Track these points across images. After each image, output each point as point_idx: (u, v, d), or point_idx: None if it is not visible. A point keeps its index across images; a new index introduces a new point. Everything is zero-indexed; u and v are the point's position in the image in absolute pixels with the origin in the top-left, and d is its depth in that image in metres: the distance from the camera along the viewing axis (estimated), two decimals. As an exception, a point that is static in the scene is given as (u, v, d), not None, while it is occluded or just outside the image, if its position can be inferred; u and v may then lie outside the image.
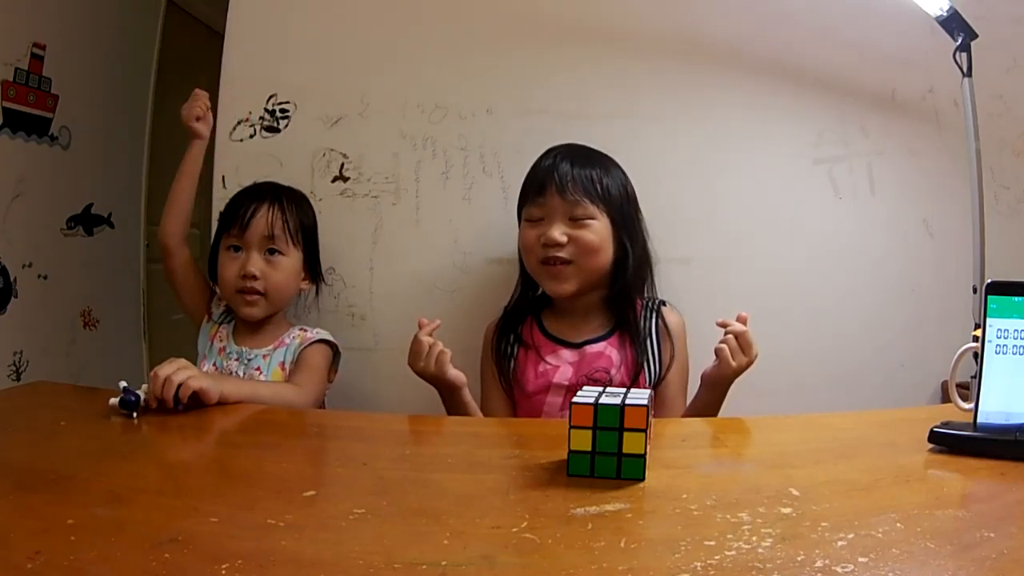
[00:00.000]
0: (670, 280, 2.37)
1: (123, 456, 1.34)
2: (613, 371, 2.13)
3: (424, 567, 0.83)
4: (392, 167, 2.56)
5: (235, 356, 2.23)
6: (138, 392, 1.62)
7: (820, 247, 2.58)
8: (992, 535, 0.90)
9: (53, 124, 3.44)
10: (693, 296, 2.41)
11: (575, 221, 2.08)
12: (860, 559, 0.83)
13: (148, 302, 4.20)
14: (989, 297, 1.28)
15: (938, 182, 2.57)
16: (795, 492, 1.06)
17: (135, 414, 1.59)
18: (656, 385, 2.14)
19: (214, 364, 2.23)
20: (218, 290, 2.31)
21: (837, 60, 2.56)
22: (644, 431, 1.13)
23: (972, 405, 1.30)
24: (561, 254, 2.07)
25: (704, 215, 2.55)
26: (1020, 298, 1.26)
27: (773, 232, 2.55)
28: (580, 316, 2.19)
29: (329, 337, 2.31)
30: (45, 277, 3.43)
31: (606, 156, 2.22)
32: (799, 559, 0.84)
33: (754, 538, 0.90)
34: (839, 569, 0.81)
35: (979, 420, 1.28)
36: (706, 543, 0.89)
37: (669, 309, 2.23)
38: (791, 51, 2.56)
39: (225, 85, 2.62)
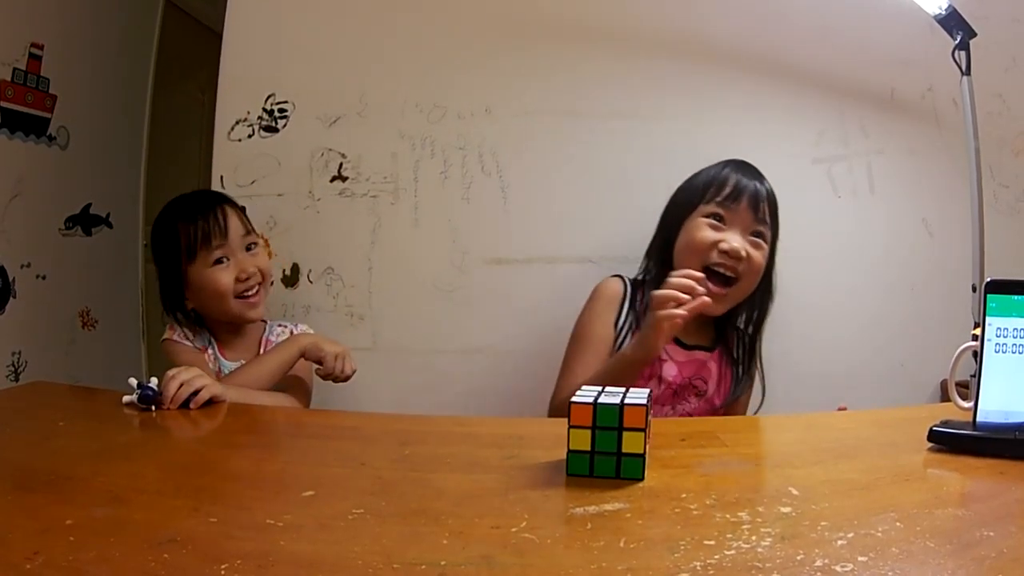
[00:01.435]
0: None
1: (122, 456, 1.34)
2: (711, 384, 2.14)
3: (423, 567, 0.83)
4: (391, 167, 2.56)
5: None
6: (154, 387, 1.63)
7: (820, 246, 2.58)
8: (991, 534, 0.90)
9: (51, 124, 3.44)
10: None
11: (755, 237, 2.06)
12: (860, 558, 0.83)
13: (147, 302, 4.19)
14: (988, 296, 1.28)
15: (937, 181, 2.57)
16: (794, 491, 1.06)
17: (154, 408, 1.61)
18: (731, 403, 2.17)
19: None
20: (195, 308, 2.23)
21: (836, 59, 2.56)
22: (643, 431, 1.13)
23: (972, 404, 1.30)
24: (736, 266, 2.03)
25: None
26: (1019, 297, 1.26)
27: (772, 231, 2.55)
28: (701, 320, 2.11)
29: (311, 331, 2.34)
30: (44, 277, 3.42)
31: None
32: (799, 558, 0.84)
33: (753, 537, 0.90)
34: (839, 568, 0.81)
35: (978, 419, 1.28)
36: (705, 542, 0.89)
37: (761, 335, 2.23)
38: (790, 51, 2.56)
39: (223, 85, 2.62)
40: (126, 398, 1.63)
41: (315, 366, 2.11)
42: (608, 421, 1.13)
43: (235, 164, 2.59)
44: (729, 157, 2.46)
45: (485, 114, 2.56)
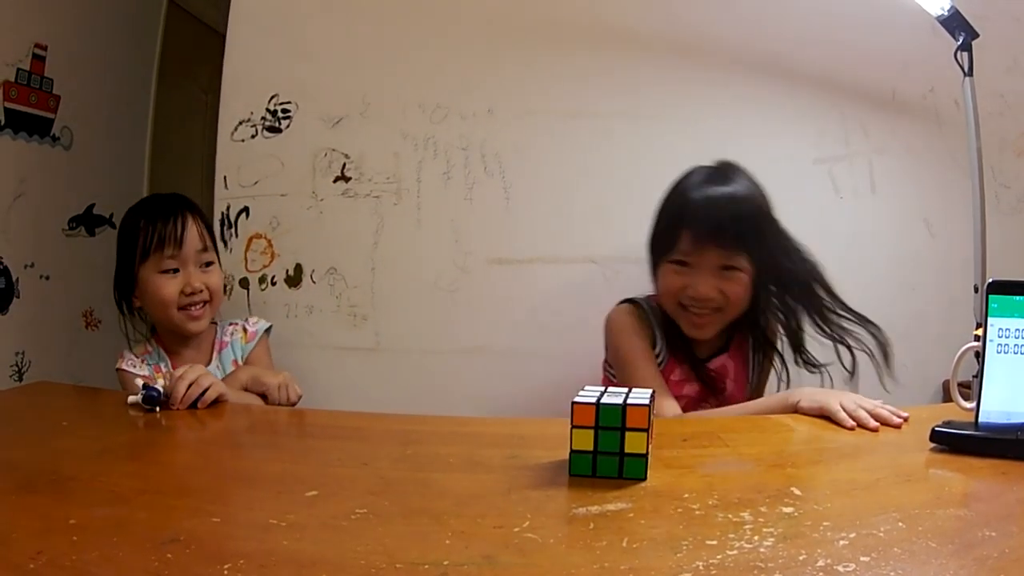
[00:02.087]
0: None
1: (125, 456, 1.34)
2: (729, 383, 2.16)
3: (426, 567, 0.83)
4: (393, 167, 2.56)
5: None
6: (159, 388, 1.64)
7: (821, 246, 2.56)
8: (993, 534, 0.90)
9: (55, 125, 3.44)
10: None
11: (725, 271, 1.99)
12: (862, 558, 0.83)
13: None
14: (990, 296, 1.28)
15: (939, 181, 2.57)
16: (797, 491, 1.06)
17: (158, 409, 1.61)
18: (753, 392, 2.18)
19: None
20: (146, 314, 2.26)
21: (838, 59, 2.56)
22: (646, 431, 1.13)
23: (973, 404, 1.30)
24: (709, 305, 2.00)
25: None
26: (1021, 297, 1.26)
27: (774, 231, 2.55)
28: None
29: (264, 324, 2.38)
30: (47, 277, 3.43)
31: (746, 175, 2.11)
32: (801, 558, 0.84)
33: (756, 537, 0.90)
34: (841, 568, 0.81)
35: (980, 419, 1.28)
36: (708, 542, 0.89)
37: (773, 320, 2.17)
38: (792, 50, 2.56)
39: (227, 85, 2.62)
40: (131, 399, 1.64)
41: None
42: (611, 421, 1.14)
43: (238, 164, 2.59)
44: (729, 156, 2.46)
45: (488, 114, 2.56)
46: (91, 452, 1.35)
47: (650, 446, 1.16)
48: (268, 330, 2.39)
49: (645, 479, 1.13)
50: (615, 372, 2.15)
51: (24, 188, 3.26)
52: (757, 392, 2.20)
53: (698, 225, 1.97)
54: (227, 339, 2.29)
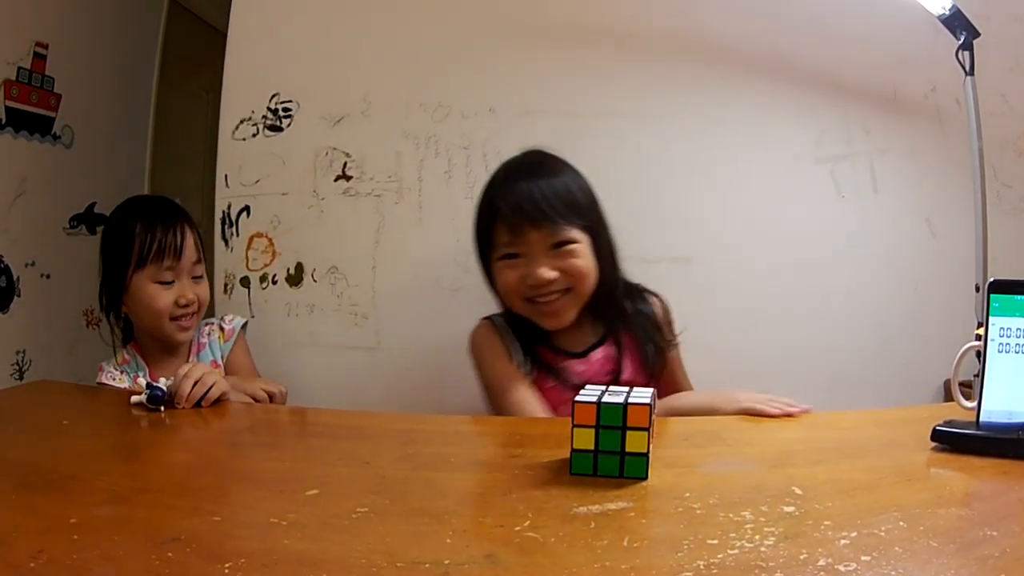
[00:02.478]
0: (670, 280, 2.36)
1: (126, 455, 1.34)
2: (625, 371, 2.01)
3: (427, 566, 0.83)
4: (395, 166, 2.56)
5: None
6: (163, 387, 1.64)
7: (822, 246, 2.58)
8: (995, 533, 0.90)
9: (56, 123, 3.44)
10: (693, 296, 2.41)
11: (558, 248, 1.90)
12: (863, 558, 0.83)
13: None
14: (992, 296, 1.28)
15: (940, 181, 2.57)
16: (798, 491, 1.06)
17: (163, 408, 1.62)
18: (658, 373, 2.03)
19: None
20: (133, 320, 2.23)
21: (839, 59, 2.56)
22: (647, 430, 1.13)
23: (975, 404, 1.30)
24: (553, 288, 1.90)
25: (705, 214, 2.55)
26: (1022, 297, 1.26)
27: (774, 231, 2.55)
28: (575, 326, 2.00)
29: (241, 321, 2.39)
30: (48, 276, 3.43)
31: (556, 158, 2.04)
32: (802, 558, 0.84)
33: (757, 537, 0.90)
34: (842, 568, 0.81)
35: (982, 419, 1.28)
36: (709, 542, 0.89)
37: (650, 296, 2.12)
38: (793, 50, 2.56)
39: (228, 84, 2.63)
40: (134, 398, 1.64)
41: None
42: (612, 420, 1.14)
43: (239, 163, 2.59)
44: (730, 156, 2.47)
45: (489, 113, 2.56)
46: (92, 451, 1.35)
47: (651, 445, 1.16)
48: (244, 326, 2.40)
49: (646, 478, 1.13)
50: (488, 399, 2.05)
51: (25, 187, 3.26)
52: (667, 373, 2.08)
53: (509, 212, 1.90)
54: (204, 340, 2.29)
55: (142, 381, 1.67)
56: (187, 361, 2.19)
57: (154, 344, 2.22)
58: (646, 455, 1.14)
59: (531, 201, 1.88)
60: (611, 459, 1.14)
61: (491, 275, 2.03)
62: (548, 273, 1.89)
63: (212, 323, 2.34)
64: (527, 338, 2.03)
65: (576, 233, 1.91)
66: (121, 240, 2.13)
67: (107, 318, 2.22)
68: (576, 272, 1.91)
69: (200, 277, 2.21)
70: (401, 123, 2.57)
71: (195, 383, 1.68)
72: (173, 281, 2.13)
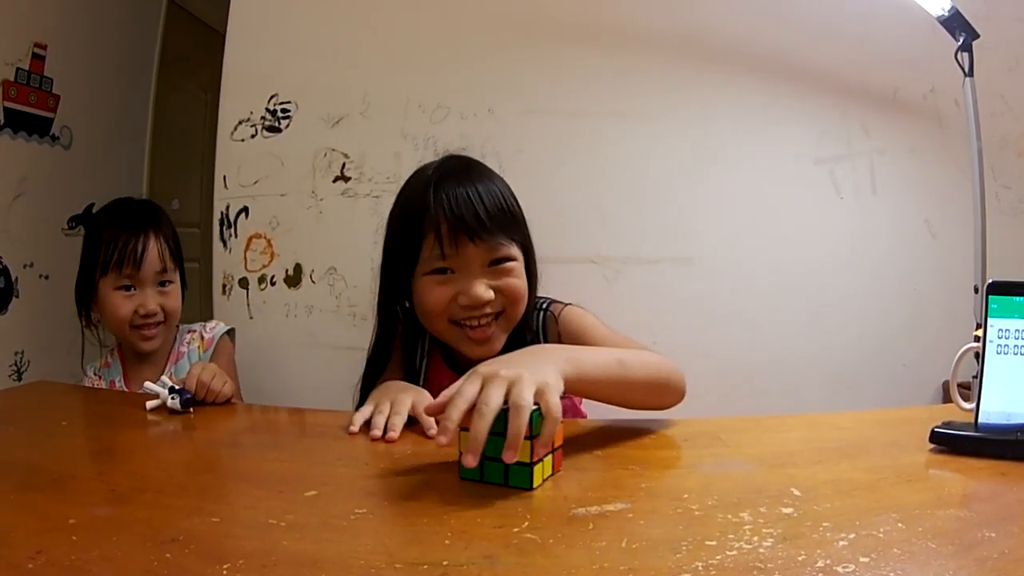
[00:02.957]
0: (670, 280, 2.37)
1: (124, 455, 1.34)
2: None
3: (425, 567, 0.83)
4: (394, 167, 2.56)
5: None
6: (187, 390, 1.64)
7: (821, 247, 2.58)
8: (993, 535, 0.90)
9: (54, 124, 3.44)
10: (693, 296, 2.41)
11: (495, 266, 1.69)
12: (861, 559, 0.83)
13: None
14: (990, 297, 1.28)
15: (940, 182, 2.57)
16: (796, 492, 1.06)
17: (192, 409, 1.63)
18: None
19: None
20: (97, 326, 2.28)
21: (839, 60, 2.56)
22: (530, 439, 1.09)
23: (973, 405, 1.30)
24: (488, 309, 1.70)
25: (705, 215, 2.56)
26: (1021, 298, 1.26)
27: (774, 232, 2.55)
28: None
29: (223, 327, 2.33)
30: (47, 277, 3.43)
31: (485, 165, 1.86)
32: (800, 559, 0.84)
33: (755, 538, 0.90)
34: (840, 569, 0.81)
35: (980, 420, 1.28)
36: (707, 543, 0.89)
37: (559, 309, 1.86)
38: (793, 51, 2.56)
39: (226, 85, 2.63)
40: (151, 403, 1.62)
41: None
42: (496, 427, 1.09)
43: (238, 164, 2.60)
44: (730, 156, 2.47)
45: (488, 114, 2.56)
46: (90, 451, 1.35)
47: (548, 456, 1.13)
48: (231, 333, 2.35)
49: (531, 489, 1.10)
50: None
51: (24, 187, 3.26)
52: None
53: (446, 222, 1.64)
54: (184, 348, 2.26)
55: (150, 386, 1.65)
56: (163, 370, 2.18)
57: (131, 354, 2.23)
58: (530, 465, 1.10)
59: (471, 210, 1.65)
60: (496, 466, 1.10)
61: (401, 291, 1.81)
62: (486, 293, 1.66)
63: (194, 330, 2.31)
64: (414, 352, 1.91)
65: (515, 250, 1.72)
66: (91, 244, 2.18)
67: (80, 320, 2.26)
68: (513, 293, 1.71)
69: (167, 285, 2.19)
70: (400, 124, 2.57)
71: (213, 376, 1.71)
72: (134, 289, 2.14)
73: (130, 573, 0.82)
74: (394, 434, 1.39)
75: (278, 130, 2.61)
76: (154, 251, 2.15)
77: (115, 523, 0.95)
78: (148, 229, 2.16)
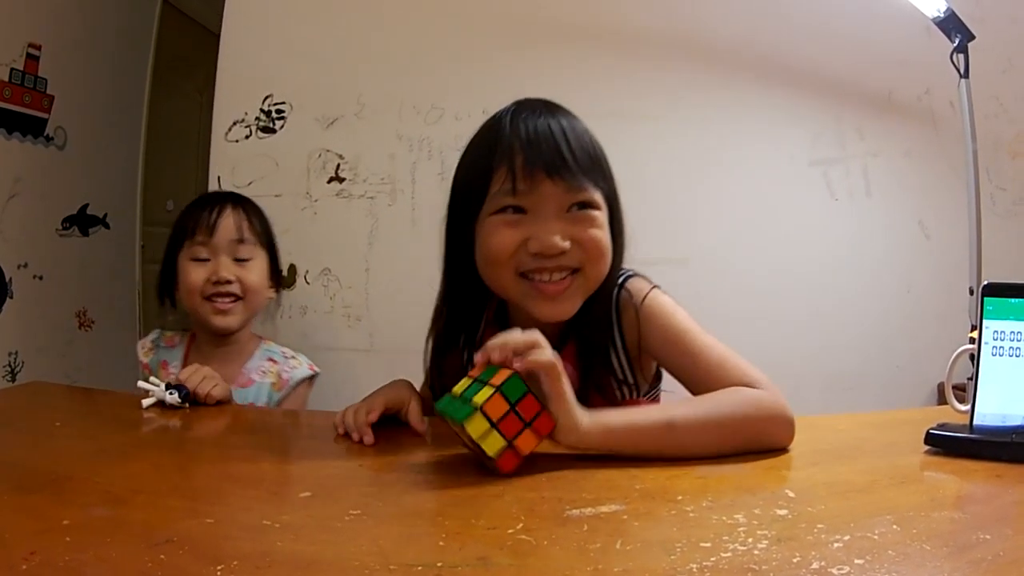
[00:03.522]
0: (667, 281, 2.36)
1: (119, 457, 1.34)
2: None
3: (420, 568, 0.83)
4: (388, 168, 2.56)
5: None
6: (184, 385, 1.64)
7: (816, 248, 2.58)
8: (988, 537, 0.90)
9: (48, 124, 3.44)
10: (691, 296, 2.41)
11: (573, 211, 1.44)
12: (856, 561, 0.83)
13: (144, 302, 4.20)
14: (985, 299, 1.28)
15: (934, 184, 2.58)
16: (791, 493, 1.06)
17: (188, 405, 1.64)
18: (649, 395, 1.62)
19: None
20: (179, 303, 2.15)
21: (833, 61, 2.57)
22: (490, 424, 1.13)
23: (968, 407, 1.30)
24: (563, 262, 1.43)
25: (701, 216, 2.56)
26: (1016, 300, 1.27)
27: (769, 233, 2.55)
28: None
29: (306, 371, 2.16)
30: (41, 277, 3.43)
31: (574, 115, 1.57)
32: (795, 561, 0.84)
33: (750, 540, 0.90)
34: (835, 571, 0.81)
35: (975, 422, 1.28)
36: (702, 544, 0.89)
37: (641, 292, 1.57)
38: (787, 53, 2.56)
39: (221, 86, 2.63)
40: (147, 401, 1.62)
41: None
42: (486, 375, 1.16)
43: (232, 165, 2.59)
44: (725, 158, 2.47)
45: (482, 115, 2.52)
46: (85, 452, 1.35)
47: (510, 440, 1.14)
48: (311, 380, 2.18)
49: (490, 456, 1.13)
50: None
51: (17, 188, 3.26)
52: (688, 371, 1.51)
53: (522, 153, 1.42)
54: (256, 377, 2.10)
55: (143, 385, 1.64)
56: (234, 376, 2.06)
57: (205, 341, 2.15)
58: (488, 429, 1.13)
59: (551, 143, 1.43)
60: (465, 408, 1.15)
61: (465, 239, 1.53)
62: (562, 240, 1.41)
63: (276, 360, 2.15)
64: (477, 321, 1.67)
65: (599, 198, 1.47)
66: (176, 225, 2.11)
67: (160, 303, 2.17)
68: (594, 247, 1.45)
69: (247, 261, 2.09)
70: (394, 125, 2.57)
71: (203, 379, 1.69)
72: (208, 259, 2.05)
73: (125, 574, 0.82)
74: (366, 437, 1.37)
75: (273, 131, 2.61)
76: (229, 219, 2.07)
77: (110, 524, 0.95)
78: (228, 202, 2.11)
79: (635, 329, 1.53)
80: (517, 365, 1.15)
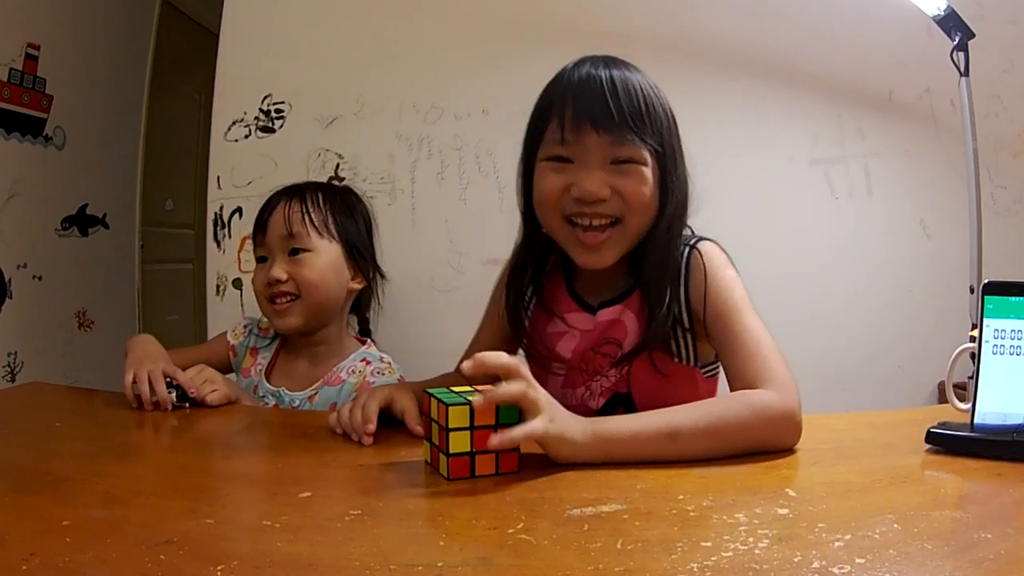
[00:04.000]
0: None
1: (118, 457, 1.34)
2: (627, 344, 1.59)
3: (420, 568, 0.83)
4: (388, 167, 2.56)
5: (272, 400, 2.00)
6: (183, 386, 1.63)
7: (817, 248, 2.58)
8: (989, 536, 0.90)
9: (47, 124, 3.44)
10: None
11: (618, 164, 1.48)
12: (857, 560, 0.83)
13: (143, 303, 4.20)
14: (986, 297, 1.28)
15: (935, 183, 2.57)
16: (792, 493, 1.06)
17: (187, 405, 1.63)
18: (697, 362, 1.62)
19: None
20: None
21: (833, 60, 2.57)
22: (472, 424, 1.15)
23: (969, 406, 1.30)
24: (603, 210, 1.49)
25: (701, 215, 2.55)
26: (1017, 298, 1.26)
27: (770, 233, 2.55)
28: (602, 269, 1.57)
29: (390, 380, 2.01)
30: (40, 278, 3.42)
31: (638, 69, 1.63)
32: (796, 560, 0.84)
33: (751, 539, 0.90)
34: (836, 570, 0.81)
35: (976, 421, 1.28)
36: (703, 544, 0.89)
37: (699, 254, 1.60)
38: (787, 52, 2.56)
39: (220, 85, 2.62)
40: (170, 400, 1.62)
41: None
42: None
43: (232, 164, 2.59)
44: (725, 157, 2.46)
45: (482, 115, 2.56)
46: (84, 453, 1.35)
47: (474, 451, 1.16)
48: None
49: (448, 453, 1.14)
50: None
51: (17, 188, 3.26)
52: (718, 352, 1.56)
53: (572, 105, 1.49)
54: (344, 376, 2.00)
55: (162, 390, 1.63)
56: (311, 383, 2.01)
57: (295, 341, 2.07)
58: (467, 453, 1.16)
59: (599, 96, 1.48)
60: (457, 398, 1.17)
61: (529, 181, 1.62)
62: (601, 188, 1.47)
63: (370, 362, 2.04)
64: (544, 263, 1.73)
65: (645, 153, 1.50)
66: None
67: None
68: (633, 197, 1.49)
69: (300, 252, 1.96)
70: (394, 124, 2.57)
71: (205, 380, 1.68)
72: (267, 259, 1.98)
73: (124, 575, 0.82)
74: (364, 438, 1.37)
75: (272, 131, 2.61)
76: (279, 215, 1.96)
77: (109, 525, 0.95)
78: (281, 196, 2.01)
79: (701, 292, 1.55)
80: (494, 441, 1.13)
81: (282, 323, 1.97)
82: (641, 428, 1.26)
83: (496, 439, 1.12)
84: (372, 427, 1.34)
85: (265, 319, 2.09)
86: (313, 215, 1.98)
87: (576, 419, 1.23)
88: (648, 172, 1.50)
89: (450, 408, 1.13)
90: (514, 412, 1.16)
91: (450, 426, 1.13)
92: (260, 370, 2.04)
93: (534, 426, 1.16)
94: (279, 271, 1.93)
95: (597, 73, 1.51)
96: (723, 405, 1.34)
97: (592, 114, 1.46)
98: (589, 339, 1.62)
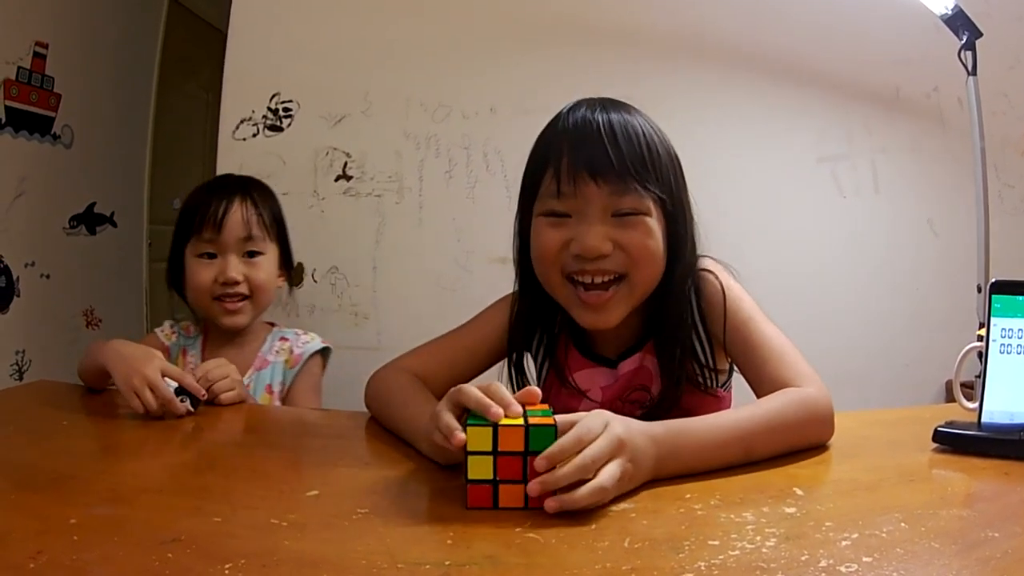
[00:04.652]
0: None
1: (125, 455, 1.34)
2: (654, 387, 1.55)
3: (427, 567, 0.83)
4: (395, 166, 2.56)
5: None
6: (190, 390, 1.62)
7: (824, 246, 2.58)
8: (996, 535, 0.90)
9: (55, 123, 3.44)
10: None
11: (620, 217, 1.40)
12: (864, 559, 0.83)
13: (151, 301, 4.20)
14: (993, 296, 1.28)
15: (942, 181, 2.57)
16: (799, 491, 1.06)
17: (196, 409, 1.61)
18: (723, 383, 1.61)
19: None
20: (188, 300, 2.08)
21: (841, 58, 2.56)
22: (495, 449, 1.01)
23: (976, 404, 1.30)
24: (605, 266, 1.41)
25: (707, 214, 2.54)
26: (1024, 297, 1.26)
27: (777, 231, 2.55)
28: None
29: (317, 344, 2.11)
30: (48, 276, 3.43)
31: (638, 111, 1.55)
32: (803, 559, 0.84)
33: (758, 538, 0.90)
34: (843, 569, 0.81)
35: (983, 419, 1.27)
36: (710, 543, 0.89)
37: (710, 277, 1.54)
38: (794, 50, 2.56)
39: (228, 84, 2.63)
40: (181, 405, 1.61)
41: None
42: (533, 412, 1.05)
43: (239, 163, 2.59)
44: (732, 155, 2.46)
45: (490, 113, 2.56)
46: (91, 451, 1.35)
47: (497, 479, 1.02)
48: (326, 352, 2.14)
49: (467, 479, 1.02)
50: None
51: (24, 187, 3.26)
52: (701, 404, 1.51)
53: (568, 153, 1.40)
54: (271, 358, 2.07)
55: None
56: (245, 372, 2.01)
57: (217, 334, 2.09)
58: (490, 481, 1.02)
59: (598, 145, 1.38)
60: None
61: (526, 235, 1.54)
62: (602, 243, 1.39)
63: (288, 339, 2.12)
64: (551, 322, 1.63)
65: (649, 203, 1.42)
66: (181, 214, 2.04)
67: (171, 296, 2.13)
68: (638, 252, 1.41)
69: (255, 256, 2.01)
70: (401, 123, 2.57)
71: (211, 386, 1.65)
72: (215, 256, 1.99)
73: (131, 573, 0.82)
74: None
75: (280, 129, 2.61)
76: (237, 214, 1.98)
77: (116, 523, 0.95)
78: (235, 194, 2.02)
79: (719, 312, 1.49)
80: (551, 506, 0.97)
81: (231, 321, 2.01)
82: (712, 436, 1.19)
83: (555, 502, 0.97)
84: (461, 436, 1.05)
85: (184, 320, 2.13)
86: (265, 216, 2.04)
87: (643, 440, 1.09)
88: (653, 223, 1.43)
89: (468, 429, 1.01)
90: (549, 433, 1.00)
91: (468, 448, 1.01)
92: (192, 368, 1.95)
93: (612, 473, 1.01)
94: (236, 272, 1.97)
95: (594, 117, 1.42)
96: (779, 401, 1.29)
97: (590, 163, 1.38)
98: (613, 391, 1.57)
